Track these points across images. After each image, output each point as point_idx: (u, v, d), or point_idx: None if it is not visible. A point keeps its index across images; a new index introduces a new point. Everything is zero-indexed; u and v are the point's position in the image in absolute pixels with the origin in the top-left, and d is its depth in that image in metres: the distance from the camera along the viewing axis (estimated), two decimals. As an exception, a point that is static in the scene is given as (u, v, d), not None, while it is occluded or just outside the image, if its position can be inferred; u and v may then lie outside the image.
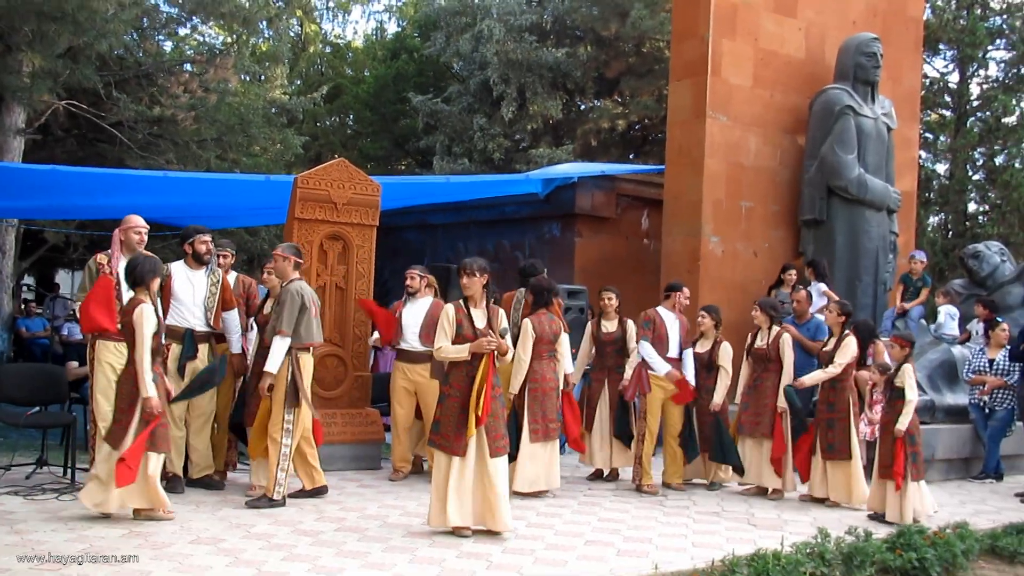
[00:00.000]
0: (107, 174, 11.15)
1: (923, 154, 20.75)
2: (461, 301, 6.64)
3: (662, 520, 7.27)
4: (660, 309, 8.61)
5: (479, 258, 6.79)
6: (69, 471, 7.48)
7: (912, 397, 7.53)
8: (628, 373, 8.54)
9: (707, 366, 8.65)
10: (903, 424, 7.47)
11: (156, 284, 6.64)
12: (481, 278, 6.59)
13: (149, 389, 6.27)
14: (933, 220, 21.21)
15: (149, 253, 7.15)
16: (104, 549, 5.57)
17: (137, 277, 6.52)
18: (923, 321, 11.24)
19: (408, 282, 8.67)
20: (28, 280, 25.50)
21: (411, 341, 8.53)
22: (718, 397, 8.51)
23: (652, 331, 8.41)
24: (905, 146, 13.26)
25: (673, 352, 8.48)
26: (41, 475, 7.58)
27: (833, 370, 8.08)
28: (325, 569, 5.41)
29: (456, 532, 6.32)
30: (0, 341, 16.24)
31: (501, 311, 6.85)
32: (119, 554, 5.46)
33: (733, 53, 11.66)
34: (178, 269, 7.72)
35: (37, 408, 7.88)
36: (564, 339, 8.28)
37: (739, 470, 8.51)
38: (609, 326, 8.90)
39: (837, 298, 9.42)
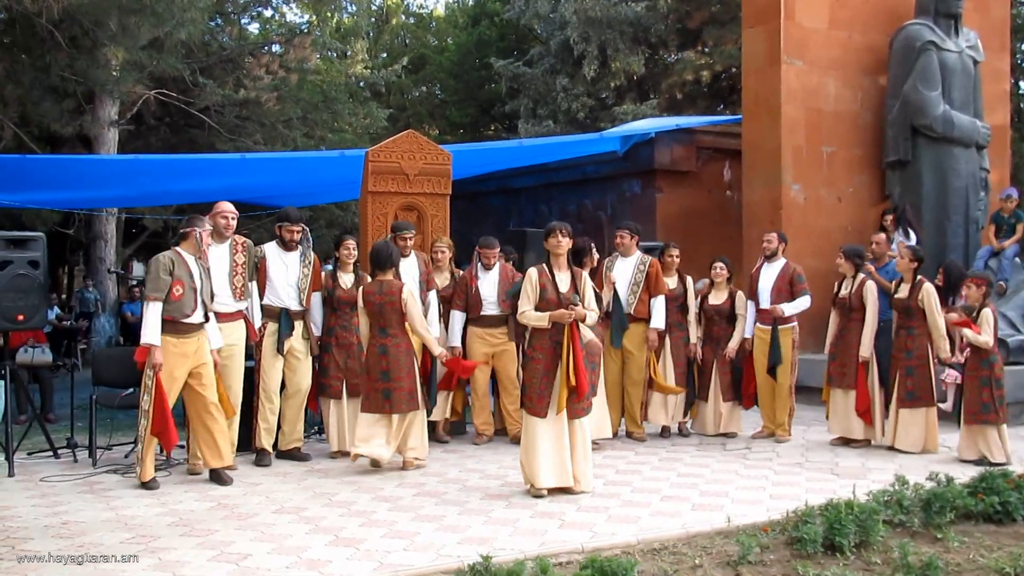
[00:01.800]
0: (186, 160, 11.53)
1: (1022, 85, 19.99)
2: (544, 265, 6.70)
3: (742, 473, 7.25)
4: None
5: (563, 222, 6.83)
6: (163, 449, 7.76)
7: (985, 341, 7.34)
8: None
9: (726, 317, 8.78)
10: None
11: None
12: (566, 240, 6.64)
13: (436, 349, 7.61)
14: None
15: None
16: (192, 521, 5.81)
17: (384, 261, 7.42)
18: (1018, 260, 10.86)
19: (484, 261, 8.72)
20: (138, 266, 26.49)
21: (489, 310, 8.61)
22: (734, 342, 8.76)
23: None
24: (995, 78, 12.80)
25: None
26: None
27: (940, 325, 7.87)
28: (401, 534, 5.53)
29: (532, 492, 6.41)
30: (109, 325, 16.91)
31: (585, 274, 6.89)
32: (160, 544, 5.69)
33: (806, -5, 11.39)
34: (272, 251, 7.93)
35: (131, 389, 8.20)
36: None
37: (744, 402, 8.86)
38: (670, 283, 8.88)
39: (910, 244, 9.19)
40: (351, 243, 8.20)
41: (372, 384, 7.39)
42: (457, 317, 8.64)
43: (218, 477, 6.96)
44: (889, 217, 10.54)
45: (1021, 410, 9.40)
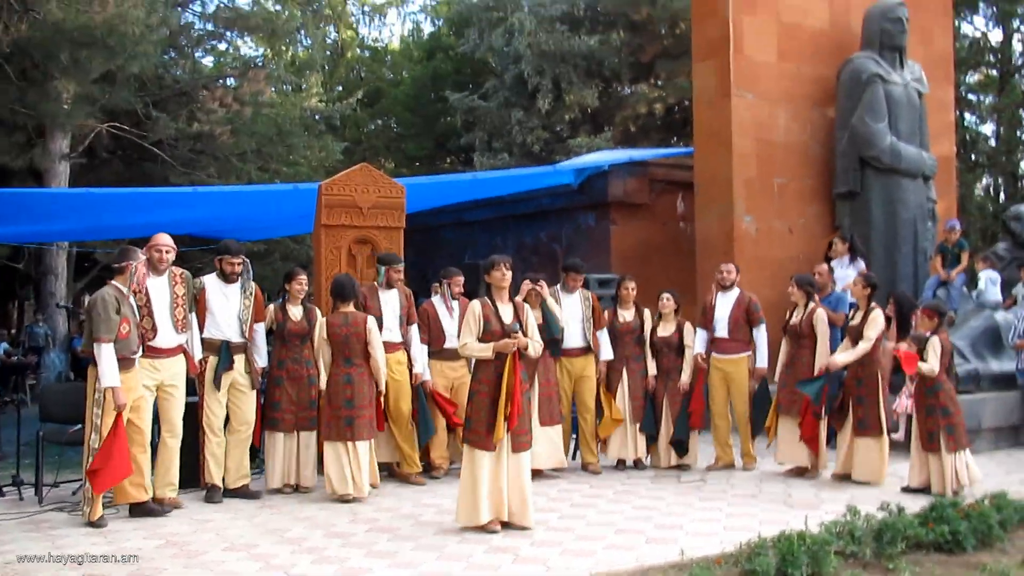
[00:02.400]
0: (138, 193, 11.42)
1: (968, 116, 20.37)
2: (486, 297, 6.70)
3: (697, 506, 7.26)
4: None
5: (503, 254, 6.88)
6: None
7: (930, 369, 7.43)
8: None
9: (675, 349, 8.84)
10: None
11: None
12: (509, 272, 6.66)
13: (382, 383, 7.79)
14: (982, 183, 20.82)
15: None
16: (141, 559, 5.71)
17: (347, 293, 7.72)
18: (964, 288, 11.03)
19: (452, 289, 8.72)
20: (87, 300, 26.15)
21: (451, 343, 8.57)
22: (685, 377, 8.78)
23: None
24: (941, 109, 13.05)
25: (576, 329, 8.79)
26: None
27: (864, 346, 7.97)
28: (353, 571, 5.48)
29: (486, 528, 6.36)
30: (59, 361, 16.68)
31: (527, 305, 6.92)
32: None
33: (755, 29, 11.58)
34: (212, 283, 7.82)
35: (79, 426, 8.08)
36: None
37: (680, 449, 8.77)
38: (627, 315, 8.99)
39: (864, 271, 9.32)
40: (303, 278, 8.15)
41: (335, 412, 7.55)
42: (422, 350, 8.58)
43: (145, 511, 6.90)
44: (837, 244, 10.69)
45: (972, 439, 9.44)
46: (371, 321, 7.75)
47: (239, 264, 7.84)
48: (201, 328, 7.67)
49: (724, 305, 8.85)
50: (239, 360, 7.78)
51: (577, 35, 21.22)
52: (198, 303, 7.66)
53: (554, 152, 21.66)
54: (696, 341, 8.88)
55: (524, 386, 6.67)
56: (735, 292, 8.89)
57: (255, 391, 7.88)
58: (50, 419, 8.02)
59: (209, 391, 7.67)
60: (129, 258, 6.92)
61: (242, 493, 7.71)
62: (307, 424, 7.93)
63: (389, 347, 8.22)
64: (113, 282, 6.88)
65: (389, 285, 8.38)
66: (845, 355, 8.09)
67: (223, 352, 7.68)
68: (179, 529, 6.59)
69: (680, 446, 8.76)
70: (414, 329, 8.50)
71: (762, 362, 8.76)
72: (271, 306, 8.17)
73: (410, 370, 8.40)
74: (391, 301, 8.38)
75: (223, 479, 7.72)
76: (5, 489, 7.82)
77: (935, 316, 7.65)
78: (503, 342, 6.44)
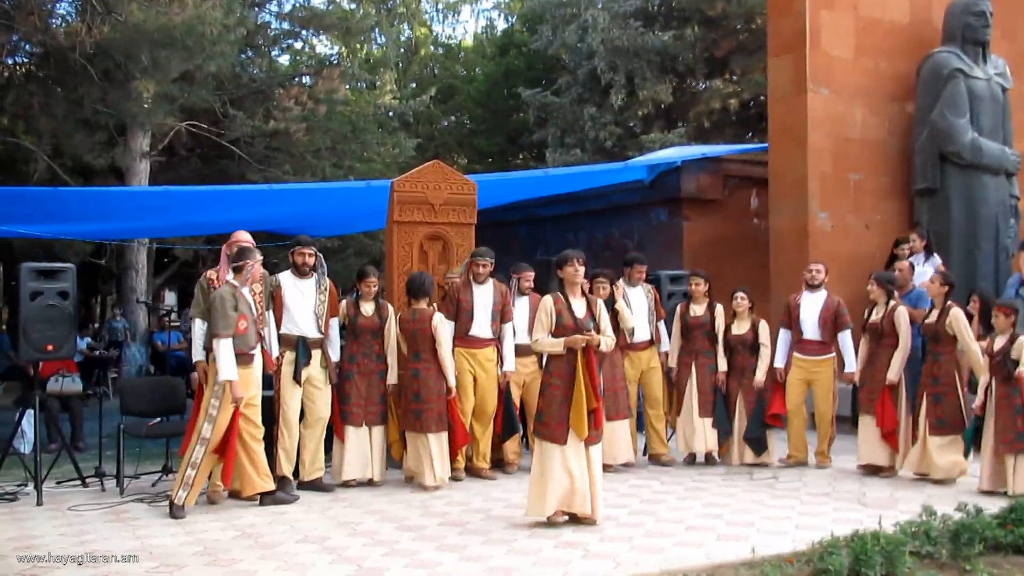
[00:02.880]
0: (216, 191, 11.62)
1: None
2: (559, 292, 6.71)
3: (768, 503, 7.20)
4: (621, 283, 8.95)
5: (575, 250, 6.89)
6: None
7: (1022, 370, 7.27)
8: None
9: (749, 347, 8.76)
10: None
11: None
12: (582, 268, 6.68)
13: (451, 381, 7.93)
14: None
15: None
16: (216, 551, 5.84)
17: (417, 291, 7.94)
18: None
19: (521, 285, 8.79)
20: (170, 296, 26.72)
21: (521, 339, 8.59)
22: (760, 375, 8.70)
23: None
24: (1025, 105, 12.73)
25: (642, 323, 8.90)
26: (167, 482, 7.94)
27: (975, 350, 7.82)
28: (424, 563, 5.53)
29: (550, 521, 6.38)
30: (140, 355, 17.05)
31: (600, 301, 6.92)
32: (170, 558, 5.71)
33: (832, 24, 11.42)
34: (287, 279, 7.93)
35: (159, 419, 8.28)
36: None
37: (758, 447, 8.73)
38: (697, 310, 8.99)
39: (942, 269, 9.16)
40: (373, 280, 8.18)
41: (407, 405, 7.88)
42: (512, 348, 8.55)
43: (276, 499, 7.21)
44: (906, 247, 10.54)
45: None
46: (438, 318, 7.93)
47: (311, 256, 7.93)
48: (279, 324, 7.79)
49: (810, 306, 8.76)
50: (316, 355, 7.89)
51: (651, 31, 21.09)
52: (275, 300, 7.78)
53: (626, 148, 21.56)
54: (779, 343, 8.83)
55: (598, 379, 6.67)
56: (822, 293, 8.81)
57: (330, 386, 7.99)
58: (130, 412, 8.22)
59: (287, 386, 7.75)
60: (247, 258, 7.18)
61: (316, 486, 7.82)
62: (376, 419, 8.02)
63: (478, 343, 8.32)
64: (230, 280, 7.15)
65: (477, 280, 8.40)
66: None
67: (300, 347, 7.79)
68: (255, 521, 6.71)
69: (758, 444, 8.71)
70: (508, 327, 8.49)
71: (851, 366, 8.65)
72: (344, 301, 8.26)
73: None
74: (484, 296, 8.41)
75: (296, 473, 7.84)
76: (88, 481, 8.03)
77: (1012, 314, 7.49)
78: (573, 337, 6.46)
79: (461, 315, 8.35)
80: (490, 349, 8.40)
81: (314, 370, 7.87)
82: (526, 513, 6.53)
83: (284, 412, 7.74)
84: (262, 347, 7.49)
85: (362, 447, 7.99)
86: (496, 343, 8.43)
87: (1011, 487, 7.29)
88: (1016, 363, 7.34)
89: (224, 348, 6.85)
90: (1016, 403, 7.35)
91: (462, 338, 8.34)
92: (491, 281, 8.49)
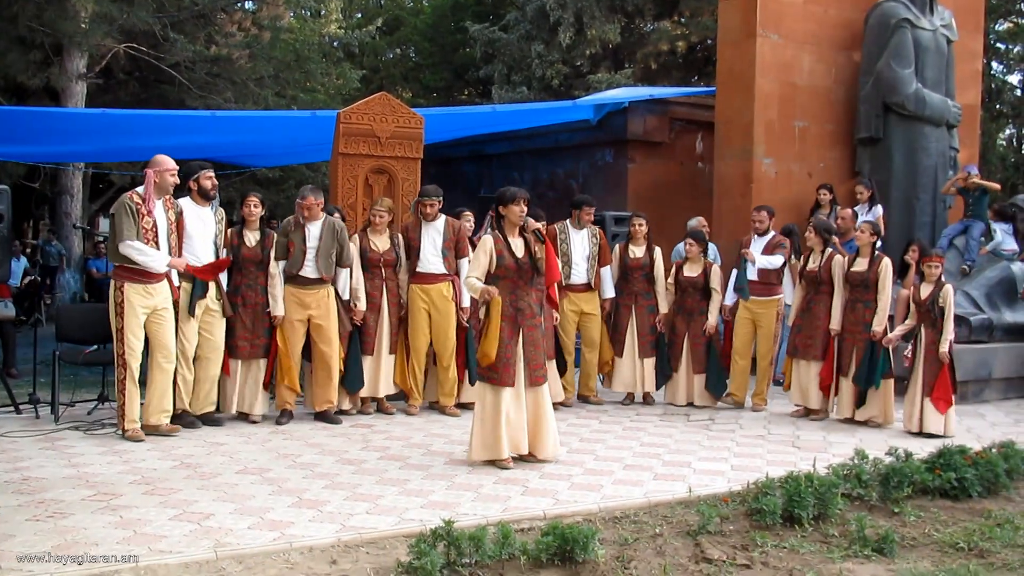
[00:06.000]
0: (155, 115, 11.35)
1: (995, 65, 20.10)
2: (498, 232, 6.63)
3: (705, 444, 7.31)
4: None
5: (517, 187, 6.77)
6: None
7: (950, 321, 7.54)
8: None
9: (700, 289, 8.88)
10: (945, 347, 7.50)
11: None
12: (524, 207, 6.57)
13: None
14: (1005, 134, 20.58)
15: None
16: (154, 480, 5.80)
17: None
18: (982, 239, 10.96)
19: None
20: (104, 222, 26.17)
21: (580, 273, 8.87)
22: (712, 319, 8.85)
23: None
24: (968, 58, 12.86)
25: (581, 266, 8.95)
26: (102, 410, 7.86)
27: (885, 300, 8.04)
28: (364, 497, 5.54)
29: (499, 464, 6.37)
30: (73, 281, 16.76)
31: (537, 240, 6.85)
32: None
33: (783, -31, 11.37)
34: (188, 206, 7.54)
35: (96, 346, 8.15)
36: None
37: (716, 391, 8.90)
38: (637, 251, 9.05)
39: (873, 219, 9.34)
40: (254, 199, 7.91)
41: None
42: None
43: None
44: (824, 192, 10.73)
45: (982, 388, 9.56)
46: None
47: (214, 177, 7.68)
48: (179, 253, 7.37)
49: (757, 249, 8.87)
50: (212, 287, 7.59)
51: (601, -32, 20.92)
52: (178, 227, 7.38)
53: (573, 87, 21.46)
54: (730, 282, 9.02)
55: (537, 318, 6.60)
56: (768, 236, 8.95)
57: (224, 318, 7.71)
58: (66, 339, 8.09)
59: (184, 319, 7.43)
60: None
61: (207, 419, 7.62)
62: (259, 352, 7.84)
63: (430, 278, 8.30)
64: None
65: (425, 219, 8.32)
66: (898, 330, 8.13)
67: (197, 280, 7.49)
68: (192, 451, 6.67)
69: (718, 388, 8.90)
70: (464, 262, 8.34)
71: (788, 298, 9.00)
72: (228, 231, 7.89)
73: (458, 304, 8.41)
74: (432, 233, 8.34)
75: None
76: (22, 407, 7.91)
77: (940, 263, 7.86)
78: (484, 288, 6.35)
79: (411, 253, 8.35)
80: (445, 285, 8.33)
81: (210, 302, 7.56)
82: (470, 456, 6.45)
83: (183, 345, 7.41)
84: (168, 278, 7.23)
85: (246, 379, 7.83)
86: (453, 278, 8.38)
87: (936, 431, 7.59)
88: (942, 310, 7.56)
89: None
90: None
91: (415, 275, 8.33)
92: (443, 218, 8.42)
